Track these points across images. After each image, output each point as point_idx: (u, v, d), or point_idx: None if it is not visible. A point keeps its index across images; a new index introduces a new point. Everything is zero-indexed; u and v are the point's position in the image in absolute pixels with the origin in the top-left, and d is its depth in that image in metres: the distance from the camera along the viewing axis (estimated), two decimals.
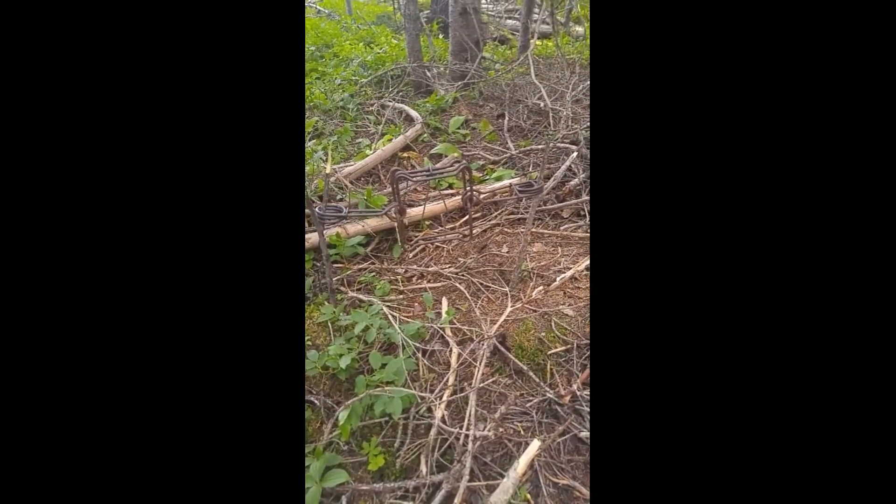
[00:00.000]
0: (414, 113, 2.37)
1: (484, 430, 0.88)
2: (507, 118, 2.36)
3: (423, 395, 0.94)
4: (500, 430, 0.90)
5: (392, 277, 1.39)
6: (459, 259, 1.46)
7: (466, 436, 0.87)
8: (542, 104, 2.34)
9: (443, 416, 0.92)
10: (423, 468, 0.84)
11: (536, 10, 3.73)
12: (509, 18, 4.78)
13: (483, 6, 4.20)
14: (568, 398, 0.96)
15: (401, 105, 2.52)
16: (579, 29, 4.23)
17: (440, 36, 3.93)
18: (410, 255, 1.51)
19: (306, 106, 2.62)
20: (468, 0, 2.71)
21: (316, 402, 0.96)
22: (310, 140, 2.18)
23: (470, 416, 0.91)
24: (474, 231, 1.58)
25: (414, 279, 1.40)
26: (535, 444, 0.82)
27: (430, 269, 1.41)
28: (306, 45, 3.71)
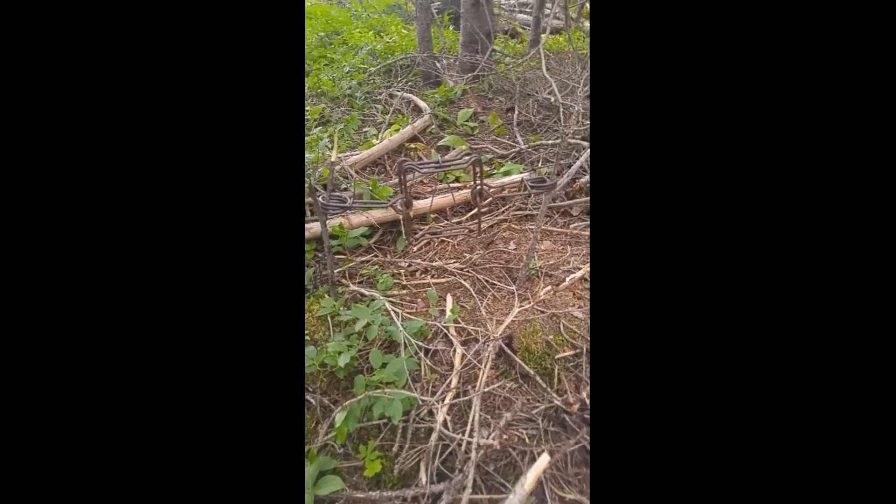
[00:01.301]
0: (422, 103, 2.31)
1: (488, 437, 0.83)
2: (516, 112, 2.29)
3: (424, 398, 0.89)
4: (504, 436, 0.85)
5: (395, 271, 1.33)
6: (465, 254, 1.41)
7: (469, 443, 0.82)
8: (552, 99, 2.27)
9: (444, 421, 0.87)
10: (423, 476, 0.79)
11: (549, 4, 3.64)
12: (520, 12, 4.68)
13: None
14: (577, 406, 0.91)
15: (409, 95, 2.46)
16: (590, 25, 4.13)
17: (451, 27, 3.84)
18: (414, 249, 1.45)
19: (314, 93, 2.56)
20: None
21: (312, 400, 0.91)
22: (316, 127, 2.12)
23: (473, 421, 0.86)
24: (481, 226, 1.52)
25: (418, 273, 1.34)
26: (544, 458, 0.77)
27: (434, 263, 1.36)
28: (315, 32, 3.63)
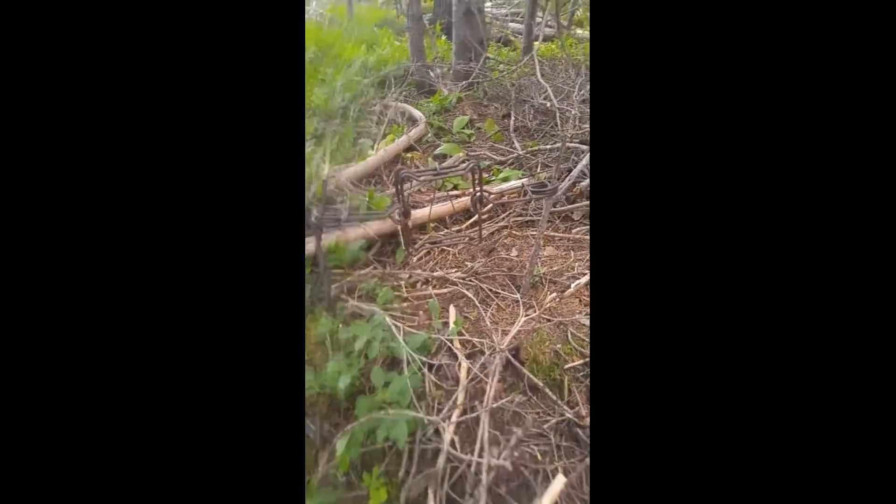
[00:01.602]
0: (417, 113, 2.30)
1: (499, 457, 0.78)
2: (512, 118, 2.28)
3: (430, 417, 0.84)
4: (516, 454, 0.81)
5: (395, 283, 1.30)
6: (466, 263, 1.37)
7: (479, 464, 0.77)
8: (548, 104, 2.26)
9: (452, 441, 0.83)
10: (432, 503, 0.74)
11: (539, 12, 3.68)
12: (512, 21, 4.73)
13: (486, 9, 4.15)
14: (589, 419, 0.86)
15: (404, 105, 2.45)
16: (581, 32, 4.17)
17: (443, 37, 3.88)
18: (415, 259, 1.42)
19: (306, 109, 2.55)
20: (472, 0, 2.65)
21: (311, 425, 0.86)
22: (309, 141, 2.10)
23: (482, 440, 0.81)
24: (481, 234, 1.49)
25: (418, 285, 1.31)
26: (560, 480, 0.72)
27: (435, 273, 1.32)
28: (307, 50, 3.65)
